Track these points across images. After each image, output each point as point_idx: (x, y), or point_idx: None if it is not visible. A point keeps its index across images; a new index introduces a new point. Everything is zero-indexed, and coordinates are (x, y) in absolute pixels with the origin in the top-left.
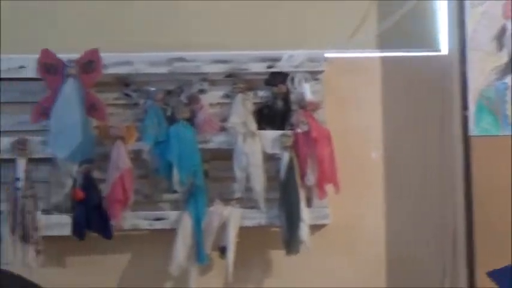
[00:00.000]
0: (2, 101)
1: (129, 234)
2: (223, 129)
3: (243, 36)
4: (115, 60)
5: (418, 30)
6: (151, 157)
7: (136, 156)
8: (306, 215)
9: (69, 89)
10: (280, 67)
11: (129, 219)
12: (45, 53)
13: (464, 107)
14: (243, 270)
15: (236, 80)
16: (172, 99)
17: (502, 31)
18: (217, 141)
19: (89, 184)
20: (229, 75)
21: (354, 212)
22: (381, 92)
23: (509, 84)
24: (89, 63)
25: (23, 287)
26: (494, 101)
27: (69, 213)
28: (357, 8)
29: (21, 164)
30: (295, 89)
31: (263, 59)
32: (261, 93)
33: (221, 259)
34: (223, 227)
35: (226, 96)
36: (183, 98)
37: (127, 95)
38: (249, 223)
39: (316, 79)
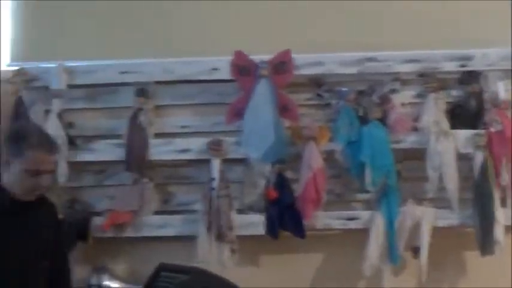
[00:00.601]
0: (196, 102)
1: (322, 233)
2: (415, 129)
3: (435, 35)
4: (307, 61)
5: None
6: (343, 157)
7: (328, 156)
8: (501, 215)
9: (262, 90)
10: (472, 66)
11: (322, 219)
12: (239, 54)
13: None
14: (436, 271)
15: (428, 79)
16: (364, 99)
17: None
18: (409, 141)
19: (281, 184)
20: (421, 75)
21: None
22: None
23: None
24: (281, 64)
25: (220, 286)
26: None
27: (262, 213)
28: None
29: (216, 164)
30: (489, 87)
31: (455, 58)
32: (453, 92)
33: (414, 259)
34: (415, 227)
35: (418, 95)
36: (375, 98)
37: (319, 95)
38: (442, 223)
39: (510, 77)
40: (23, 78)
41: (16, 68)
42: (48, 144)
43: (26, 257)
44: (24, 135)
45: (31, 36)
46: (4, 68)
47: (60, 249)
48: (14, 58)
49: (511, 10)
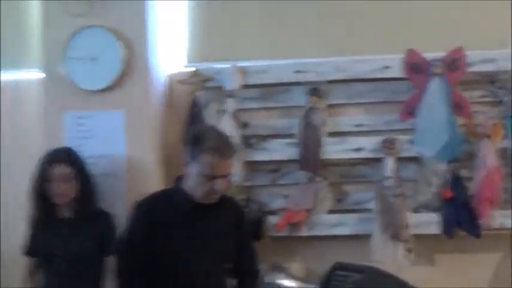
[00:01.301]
0: (369, 101)
1: (498, 233)
2: None
3: None
4: (479, 58)
5: None
6: None
7: (503, 154)
8: None
9: (435, 88)
10: None
11: (498, 218)
12: (411, 52)
13: None
14: None
15: None
16: None
17: None
18: None
19: (456, 183)
20: None
21: None
22: None
23: None
24: (454, 62)
25: (395, 285)
26: None
27: (437, 211)
28: None
29: (390, 162)
30: None
31: None
32: None
33: None
34: None
35: None
36: None
37: (493, 92)
38: None
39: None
40: (199, 79)
41: (192, 69)
42: (224, 148)
43: (209, 259)
44: (201, 139)
45: (206, 37)
46: (181, 69)
47: (248, 249)
48: (191, 59)
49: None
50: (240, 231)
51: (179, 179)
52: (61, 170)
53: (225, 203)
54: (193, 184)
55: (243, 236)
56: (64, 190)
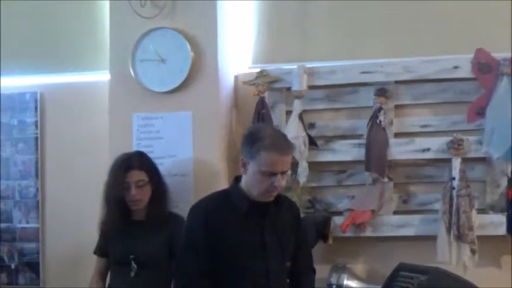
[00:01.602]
0: (436, 101)
1: None
2: None
3: None
4: None
5: None
6: None
7: None
8: None
9: (503, 88)
10: None
11: None
12: (480, 52)
13: None
14: None
15: None
16: None
17: None
18: None
19: None
20: None
21: None
22: None
23: None
24: None
25: (460, 287)
26: None
27: (504, 213)
28: None
29: (457, 163)
30: None
31: None
32: None
33: None
34: None
35: None
36: None
37: None
38: None
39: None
40: (265, 80)
41: (258, 69)
42: (282, 145)
43: (267, 258)
44: (258, 137)
45: (273, 37)
46: (247, 70)
47: (304, 249)
48: (256, 60)
49: None
50: (296, 231)
51: (236, 179)
52: (136, 176)
53: (282, 202)
54: (251, 182)
55: (300, 236)
56: (140, 196)
